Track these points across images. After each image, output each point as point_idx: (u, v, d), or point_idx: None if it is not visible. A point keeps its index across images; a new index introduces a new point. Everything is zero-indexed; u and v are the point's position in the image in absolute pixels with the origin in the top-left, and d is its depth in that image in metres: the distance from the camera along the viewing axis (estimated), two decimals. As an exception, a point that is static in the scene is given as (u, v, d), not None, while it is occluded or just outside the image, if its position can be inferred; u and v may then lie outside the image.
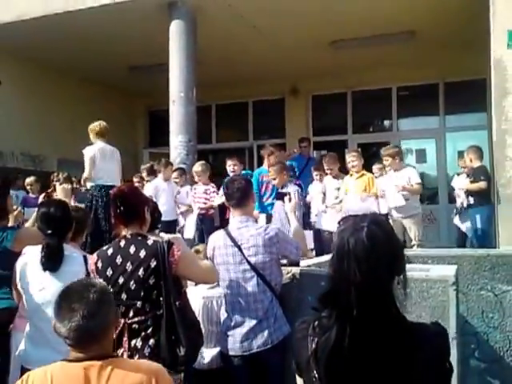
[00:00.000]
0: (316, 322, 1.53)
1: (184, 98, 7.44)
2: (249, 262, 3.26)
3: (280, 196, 4.30)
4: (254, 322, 3.24)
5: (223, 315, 3.41)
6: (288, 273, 3.57)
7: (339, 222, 1.61)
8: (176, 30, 7.52)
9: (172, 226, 6.94)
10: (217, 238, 3.42)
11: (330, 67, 10.06)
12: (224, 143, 12.33)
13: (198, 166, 7.13)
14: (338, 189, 6.74)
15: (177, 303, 2.79)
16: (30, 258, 3.17)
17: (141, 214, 2.93)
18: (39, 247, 3.37)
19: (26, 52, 9.28)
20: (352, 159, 6.62)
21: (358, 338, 1.42)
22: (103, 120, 7.06)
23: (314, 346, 1.48)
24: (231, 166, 6.84)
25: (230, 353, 3.28)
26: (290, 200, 3.91)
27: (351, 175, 6.71)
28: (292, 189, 5.28)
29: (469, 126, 10.32)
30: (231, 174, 6.63)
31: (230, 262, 3.30)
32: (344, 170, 6.99)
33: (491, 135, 6.44)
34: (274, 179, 5.80)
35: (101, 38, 8.64)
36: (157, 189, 7.01)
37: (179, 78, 7.48)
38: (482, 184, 6.54)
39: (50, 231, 3.09)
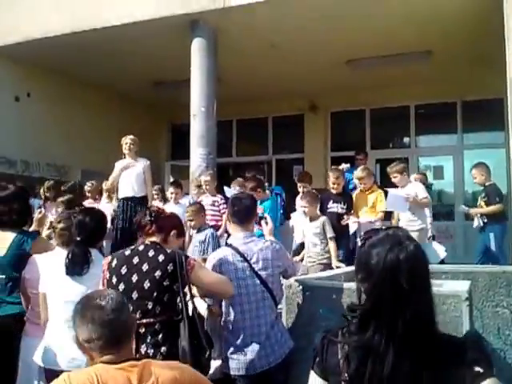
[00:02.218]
0: (344, 329, 1.60)
1: (205, 112, 7.58)
2: (259, 276, 3.22)
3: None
4: (262, 338, 3.15)
5: (230, 332, 3.24)
6: (299, 285, 3.48)
7: (365, 237, 1.66)
8: (197, 47, 7.70)
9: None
10: (223, 254, 3.31)
11: (347, 85, 10.15)
12: (244, 157, 12.48)
13: (206, 175, 7.08)
14: (318, 234, 5.74)
15: (197, 309, 2.85)
16: (54, 263, 3.29)
17: (168, 230, 3.05)
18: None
19: (54, 66, 9.52)
20: (362, 180, 6.48)
21: (401, 353, 1.47)
22: (128, 133, 7.31)
23: (345, 349, 1.55)
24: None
25: (241, 373, 3.13)
26: (266, 223, 3.80)
27: (361, 191, 6.61)
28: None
29: (487, 144, 10.31)
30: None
31: (239, 277, 3.21)
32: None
33: (509, 153, 6.42)
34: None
35: (126, 54, 8.85)
36: None
37: (200, 93, 7.63)
38: (498, 207, 6.54)
39: (79, 238, 3.23)
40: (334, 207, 6.25)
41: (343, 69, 9.43)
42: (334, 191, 6.41)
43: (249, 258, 3.24)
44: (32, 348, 3.28)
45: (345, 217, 6.15)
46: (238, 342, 3.18)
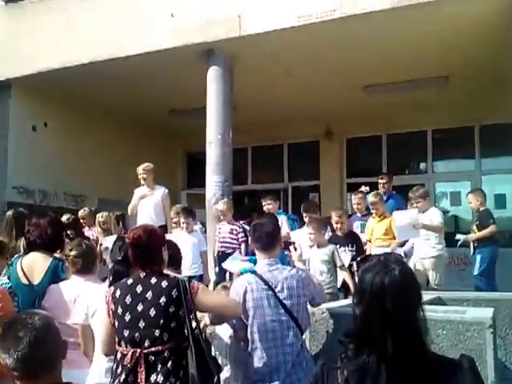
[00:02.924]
0: (342, 355, 1.66)
1: (220, 139, 7.62)
2: (283, 306, 3.17)
3: (285, 246, 3.99)
4: (289, 366, 3.12)
5: (255, 361, 3.23)
6: (323, 313, 3.50)
7: (360, 261, 1.81)
8: (213, 75, 7.78)
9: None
10: (247, 282, 3.27)
11: (363, 111, 10.17)
12: (259, 184, 12.48)
13: (221, 204, 6.99)
14: (326, 261, 5.41)
15: (203, 334, 2.82)
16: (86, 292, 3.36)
17: (158, 256, 2.97)
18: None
19: (70, 96, 9.64)
20: (374, 206, 6.48)
21: (393, 376, 1.53)
22: (143, 161, 7.37)
23: (345, 374, 1.60)
24: (265, 206, 6.97)
25: None
26: (295, 249, 3.77)
27: (373, 217, 6.57)
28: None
29: (505, 169, 10.19)
30: None
31: (264, 306, 3.17)
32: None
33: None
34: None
35: (142, 83, 8.97)
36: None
37: (216, 120, 7.68)
38: (492, 228, 6.62)
39: (119, 258, 3.21)
40: (342, 251, 5.83)
41: (359, 94, 9.45)
42: (339, 233, 6.09)
43: (273, 287, 3.19)
44: None
45: (353, 263, 5.78)
46: (264, 370, 3.17)
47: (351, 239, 6.06)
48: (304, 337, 3.38)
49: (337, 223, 6.06)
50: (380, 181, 8.01)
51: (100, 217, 7.49)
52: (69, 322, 3.44)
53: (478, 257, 6.68)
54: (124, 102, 9.96)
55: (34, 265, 3.76)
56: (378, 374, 1.53)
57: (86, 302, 3.37)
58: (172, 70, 8.43)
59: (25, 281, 3.70)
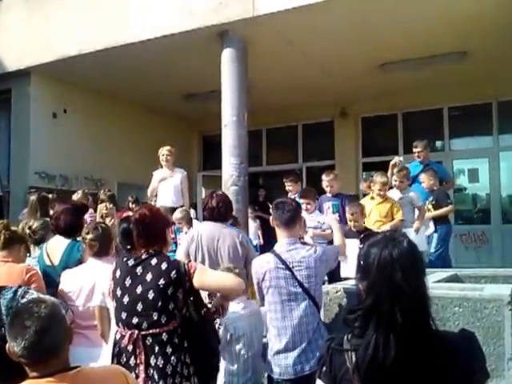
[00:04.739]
0: (349, 336, 1.64)
1: (236, 121, 7.60)
2: (301, 285, 3.23)
3: None
4: (304, 344, 3.20)
5: (271, 338, 3.34)
6: (337, 291, 3.53)
7: (362, 239, 1.81)
8: (227, 57, 7.75)
9: None
10: (265, 262, 3.36)
11: (379, 89, 10.09)
12: (274, 166, 12.50)
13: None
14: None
15: (202, 311, 2.89)
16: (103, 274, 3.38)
17: (162, 237, 3.00)
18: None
19: (89, 82, 9.76)
20: (385, 186, 6.00)
21: (401, 347, 1.52)
22: (160, 146, 7.48)
23: (353, 358, 1.59)
24: (287, 187, 6.99)
25: (284, 377, 3.22)
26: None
27: (372, 198, 6.09)
28: None
29: (524, 145, 10.08)
30: (290, 194, 6.75)
31: (282, 285, 3.24)
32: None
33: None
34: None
35: (157, 67, 9.00)
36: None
37: (231, 103, 7.67)
38: (450, 208, 6.83)
39: (129, 246, 3.29)
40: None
41: (375, 73, 9.37)
42: (353, 228, 5.34)
43: (291, 266, 3.25)
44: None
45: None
46: (280, 347, 3.26)
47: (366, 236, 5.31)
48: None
49: (351, 220, 5.45)
50: (414, 150, 7.41)
51: (104, 208, 6.80)
52: (87, 305, 3.52)
53: (435, 235, 6.69)
54: (139, 87, 10.00)
55: (55, 247, 3.97)
56: (387, 348, 1.52)
57: (103, 283, 3.38)
58: (187, 54, 8.41)
59: (48, 262, 3.91)
